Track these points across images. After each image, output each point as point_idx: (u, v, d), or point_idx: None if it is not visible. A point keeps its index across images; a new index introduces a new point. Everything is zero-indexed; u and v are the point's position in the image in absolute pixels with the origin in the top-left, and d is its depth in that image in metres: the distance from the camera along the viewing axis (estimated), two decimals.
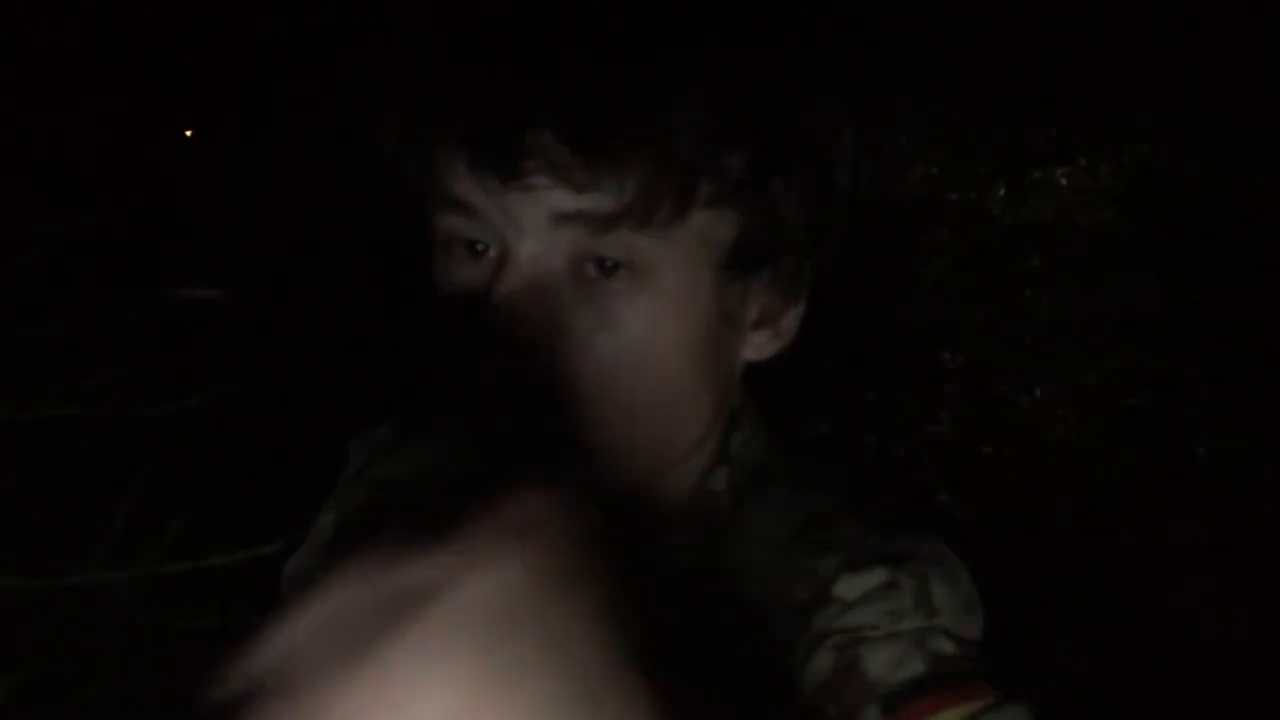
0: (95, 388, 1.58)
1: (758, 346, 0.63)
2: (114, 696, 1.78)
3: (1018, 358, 3.64)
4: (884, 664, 0.55)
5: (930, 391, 3.61)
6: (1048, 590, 2.82)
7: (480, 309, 0.54)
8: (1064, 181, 3.62)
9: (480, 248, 0.57)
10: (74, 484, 1.72)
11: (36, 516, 1.57)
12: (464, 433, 0.60)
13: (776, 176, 0.56)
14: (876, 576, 0.59)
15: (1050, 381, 3.65)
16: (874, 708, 0.54)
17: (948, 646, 0.56)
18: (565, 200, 0.53)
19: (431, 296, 0.60)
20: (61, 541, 1.62)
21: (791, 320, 0.64)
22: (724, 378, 0.62)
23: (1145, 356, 3.48)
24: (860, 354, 3.46)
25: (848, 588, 0.59)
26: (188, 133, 5.87)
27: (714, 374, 0.60)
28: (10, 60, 2.78)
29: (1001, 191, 3.59)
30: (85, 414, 1.60)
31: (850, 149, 0.59)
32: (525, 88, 0.51)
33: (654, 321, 0.56)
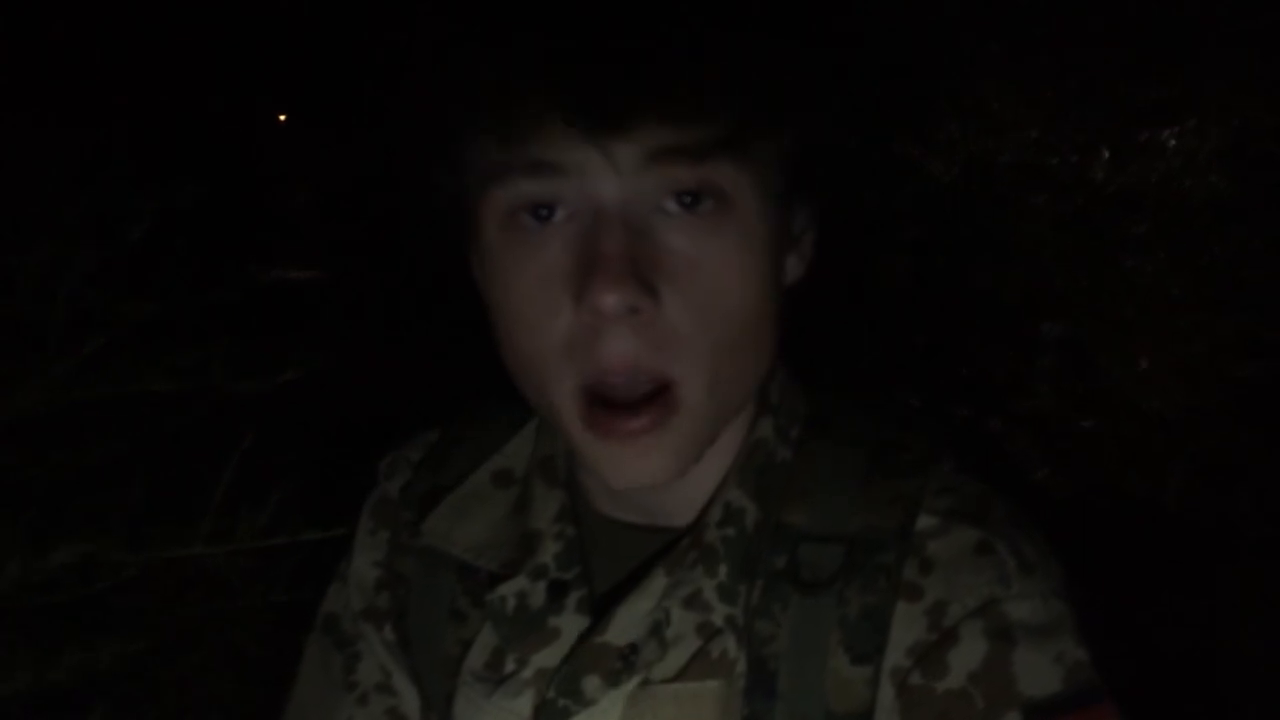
0: (192, 364, 1.63)
1: (790, 269, 0.67)
2: (214, 666, 1.84)
3: (1121, 327, 3.52)
4: (1030, 671, 0.58)
5: (1027, 363, 3.51)
6: (1153, 571, 2.74)
7: (589, 264, 0.55)
8: (1172, 144, 3.47)
9: (544, 213, 0.57)
10: (175, 459, 1.78)
11: (139, 490, 1.63)
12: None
13: (816, 100, 0.62)
14: (968, 537, 0.63)
15: (1155, 352, 3.52)
16: (1016, 714, 0.57)
17: (1079, 654, 0.60)
18: (663, 136, 0.53)
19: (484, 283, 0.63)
20: (164, 515, 1.67)
21: (809, 243, 0.68)
22: (780, 305, 0.65)
23: (1258, 326, 3.33)
24: (953, 324, 3.39)
25: (941, 547, 0.62)
26: (281, 118, 6.02)
27: (777, 301, 0.63)
28: (109, 40, 2.87)
29: (1105, 155, 3.45)
30: (183, 389, 1.65)
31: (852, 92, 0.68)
32: (623, 35, 0.53)
33: (739, 251, 0.58)
